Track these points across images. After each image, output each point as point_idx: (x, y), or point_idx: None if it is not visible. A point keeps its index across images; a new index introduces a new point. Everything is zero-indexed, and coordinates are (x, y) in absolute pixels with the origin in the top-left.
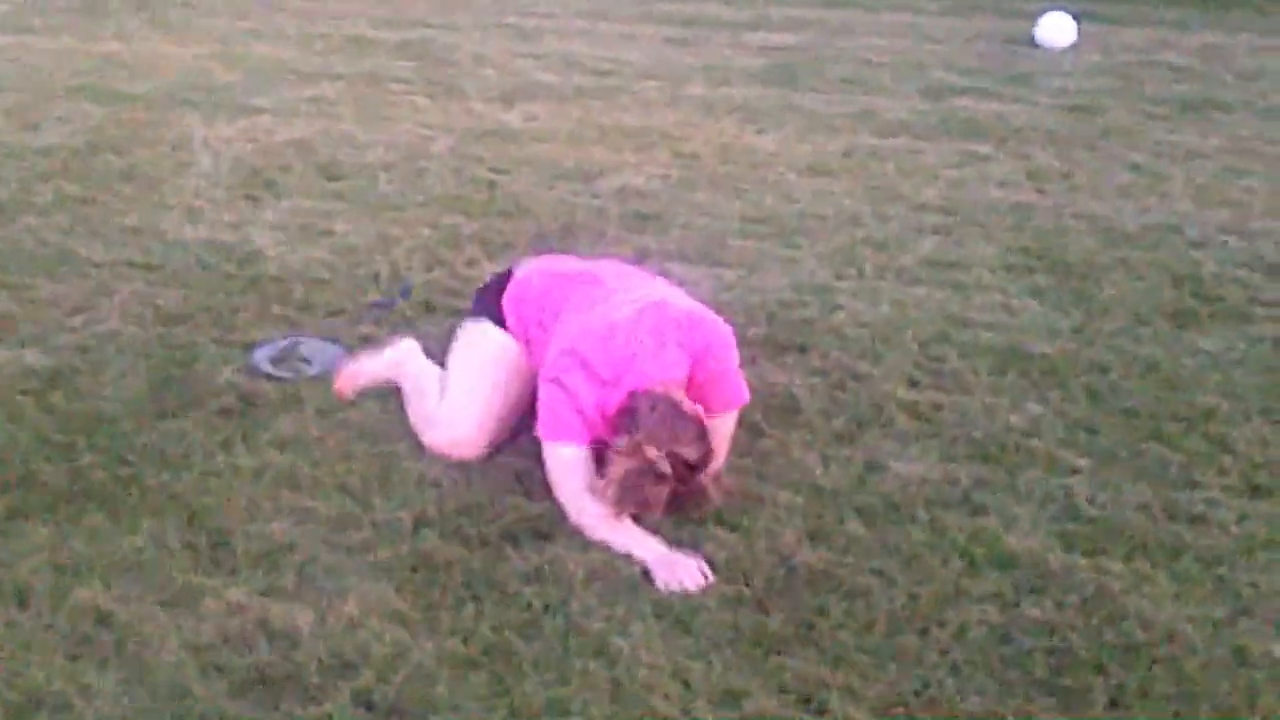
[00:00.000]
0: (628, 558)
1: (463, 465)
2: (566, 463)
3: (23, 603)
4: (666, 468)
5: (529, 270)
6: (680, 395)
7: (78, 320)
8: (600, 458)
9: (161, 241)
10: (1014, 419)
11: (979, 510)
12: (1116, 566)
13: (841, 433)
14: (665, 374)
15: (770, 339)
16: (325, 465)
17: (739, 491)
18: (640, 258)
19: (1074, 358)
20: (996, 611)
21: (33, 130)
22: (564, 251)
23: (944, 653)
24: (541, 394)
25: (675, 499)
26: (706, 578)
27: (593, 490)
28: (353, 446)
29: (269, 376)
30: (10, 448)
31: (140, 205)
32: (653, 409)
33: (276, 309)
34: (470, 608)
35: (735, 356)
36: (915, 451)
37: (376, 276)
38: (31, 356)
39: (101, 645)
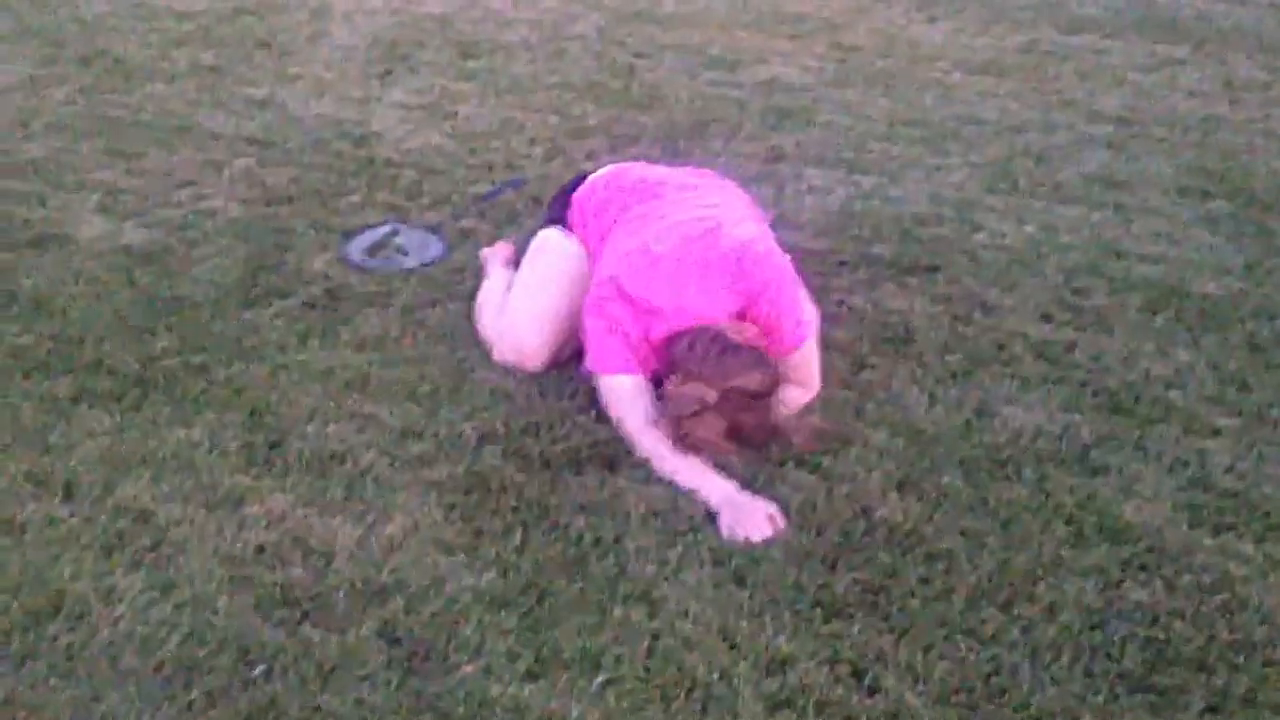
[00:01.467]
0: (695, 496)
1: (536, 378)
2: (622, 395)
3: (69, 494)
4: (713, 402)
5: (598, 178)
6: (725, 325)
7: (184, 195)
8: (658, 388)
9: (284, 115)
10: (1157, 367)
11: (1097, 470)
12: (1246, 548)
13: (956, 370)
14: (710, 310)
15: (897, 258)
16: (399, 368)
17: (827, 430)
18: (774, 158)
19: (1240, 300)
20: (1095, 590)
21: None
22: (690, 149)
23: (1026, 632)
24: (585, 325)
25: (745, 435)
26: (776, 526)
27: (656, 422)
28: (431, 349)
29: (361, 268)
30: (87, 327)
31: (270, 76)
32: (691, 347)
33: (383, 195)
34: (517, 537)
35: (794, 295)
36: (1035, 397)
37: (491, 166)
38: (131, 231)
39: (137, 547)
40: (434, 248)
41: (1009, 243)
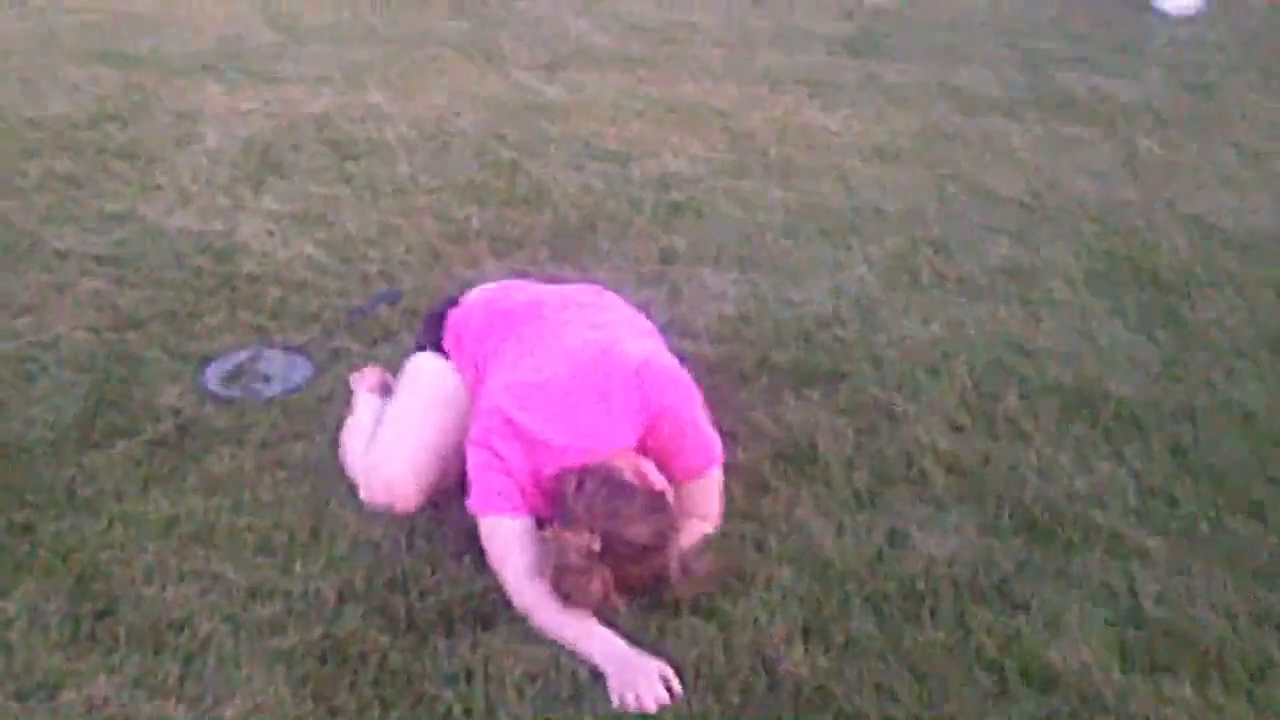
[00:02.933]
0: (579, 655)
1: (407, 519)
2: (504, 538)
3: None
4: (595, 557)
5: (474, 300)
6: (623, 464)
7: (24, 323)
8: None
9: (141, 229)
10: (1077, 481)
11: (1018, 606)
12: (1183, 691)
13: (863, 491)
14: (608, 439)
15: (798, 366)
16: (251, 515)
17: (724, 570)
18: (666, 259)
19: (1158, 402)
20: None
21: (35, 99)
22: (579, 250)
23: None
24: (470, 460)
25: (632, 586)
26: (671, 689)
27: (538, 570)
28: (289, 491)
29: (217, 397)
30: None
31: (131, 187)
32: (579, 488)
33: (246, 314)
34: (375, 716)
35: (699, 414)
36: (950, 520)
37: (365, 277)
38: None
39: None
40: (299, 371)
41: (913, 344)
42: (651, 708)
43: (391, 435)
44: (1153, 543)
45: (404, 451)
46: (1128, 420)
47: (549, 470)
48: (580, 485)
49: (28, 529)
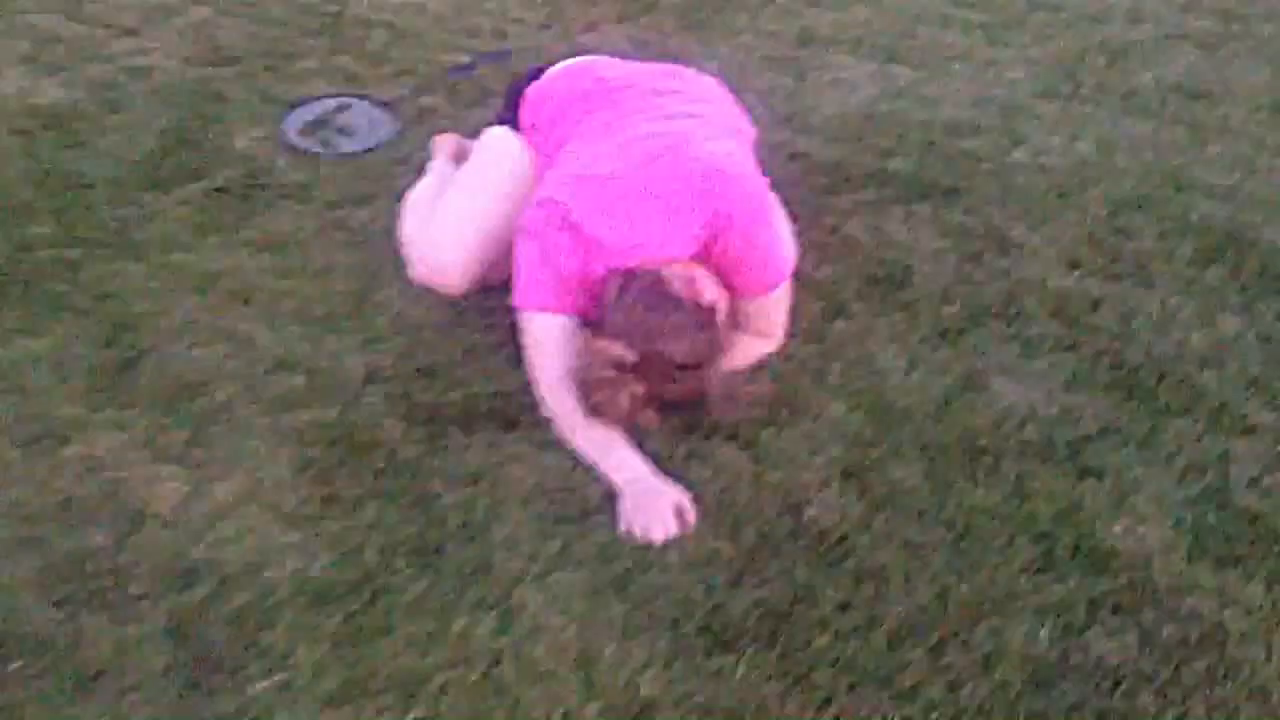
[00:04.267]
0: (598, 472)
1: (453, 303)
2: (543, 337)
3: None
4: (627, 369)
5: (554, 75)
6: (675, 272)
7: (121, 47)
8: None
9: None
10: (1195, 337)
11: (1087, 473)
12: (1252, 593)
13: (950, 326)
14: (664, 243)
15: (914, 177)
16: (297, 279)
17: (771, 396)
18: (802, 41)
19: None
20: (1050, 638)
21: None
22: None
23: (951, 689)
24: (516, 248)
25: (667, 403)
26: (684, 522)
27: (571, 375)
28: (342, 257)
29: (293, 148)
30: None
31: None
32: (621, 293)
33: (343, 60)
34: (371, 511)
35: (770, 227)
36: (1038, 368)
37: (475, 32)
38: (49, 88)
39: None
40: (383, 129)
41: (1052, 163)
42: (657, 539)
43: (447, 215)
44: (1263, 418)
45: (456, 234)
46: (1273, 275)
47: (598, 270)
48: (623, 290)
49: (73, 267)
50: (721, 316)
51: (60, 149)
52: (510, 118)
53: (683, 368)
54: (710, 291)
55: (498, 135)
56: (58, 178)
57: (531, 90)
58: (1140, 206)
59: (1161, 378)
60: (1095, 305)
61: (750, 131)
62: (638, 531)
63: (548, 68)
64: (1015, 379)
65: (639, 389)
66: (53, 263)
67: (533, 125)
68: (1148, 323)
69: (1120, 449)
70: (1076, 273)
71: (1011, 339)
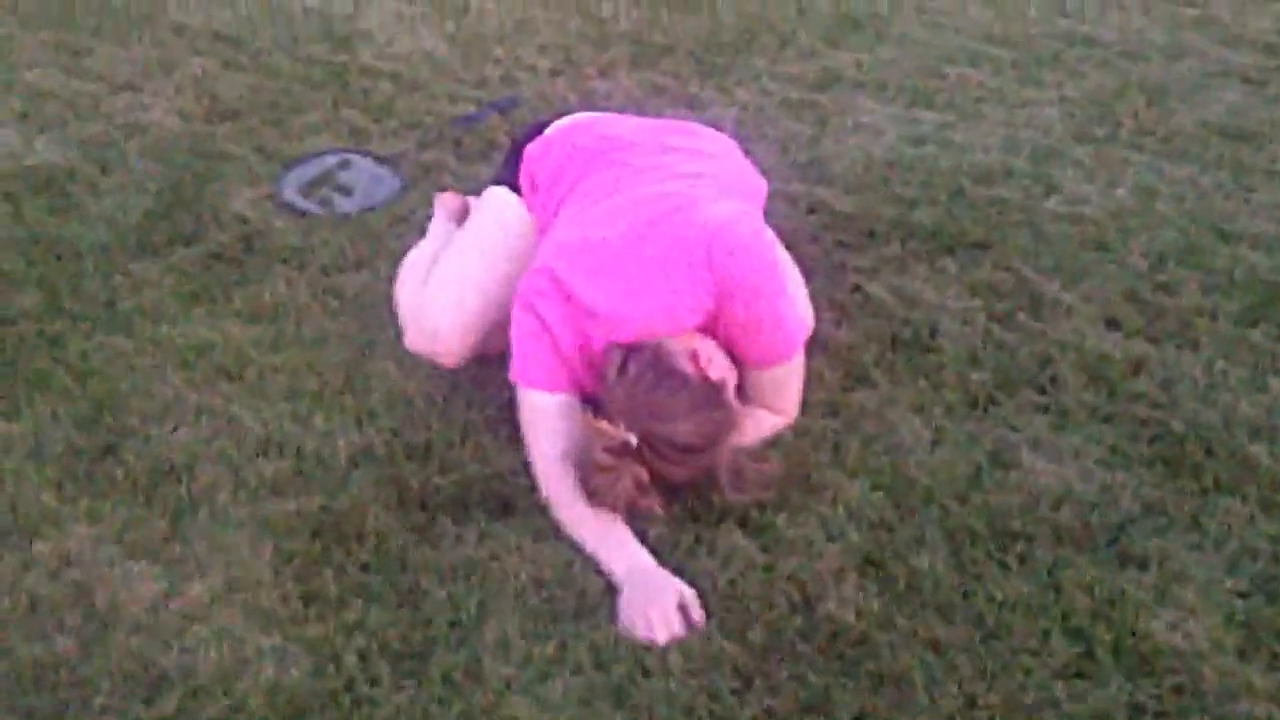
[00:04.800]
0: (598, 562)
1: (449, 374)
2: (540, 416)
3: None
4: (629, 453)
5: (553, 132)
6: (679, 345)
7: (119, 103)
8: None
9: (266, 6)
10: (1244, 404)
11: (1129, 560)
12: None
13: (979, 394)
14: (666, 313)
15: (940, 229)
16: (289, 350)
17: (784, 476)
18: (825, 83)
19: None
20: None
21: None
22: (727, 68)
23: None
24: (514, 322)
25: (672, 487)
26: (691, 619)
27: (570, 458)
28: (335, 326)
29: (291, 208)
30: None
31: None
32: (622, 370)
33: (348, 113)
34: (355, 610)
35: (780, 294)
36: (1074, 442)
37: (484, 81)
38: (42, 148)
39: None
40: (384, 187)
41: (1089, 212)
42: (660, 640)
43: (444, 280)
44: None
45: (454, 300)
46: None
47: (598, 343)
48: (623, 366)
49: (57, 342)
50: (730, 393)
51: (49, 214)
52: (510, 176)
53: (688, 450)
54: (718, 366)
55: (497, 195)
56: (45, 245)
57: (530, 148)
58: (1182, 259)
59: (1209, 451)
60: (1135, 370)
61: (762, 187)
62: (638, 631)
63: (549, 123)
64: (1049, 454)
65: (642, 473)
66: (36, 337)
67: (532, 185)
68: (1192, 389)
69: (1164, 533)
70: (1115, 334)
71: (1045, 409)
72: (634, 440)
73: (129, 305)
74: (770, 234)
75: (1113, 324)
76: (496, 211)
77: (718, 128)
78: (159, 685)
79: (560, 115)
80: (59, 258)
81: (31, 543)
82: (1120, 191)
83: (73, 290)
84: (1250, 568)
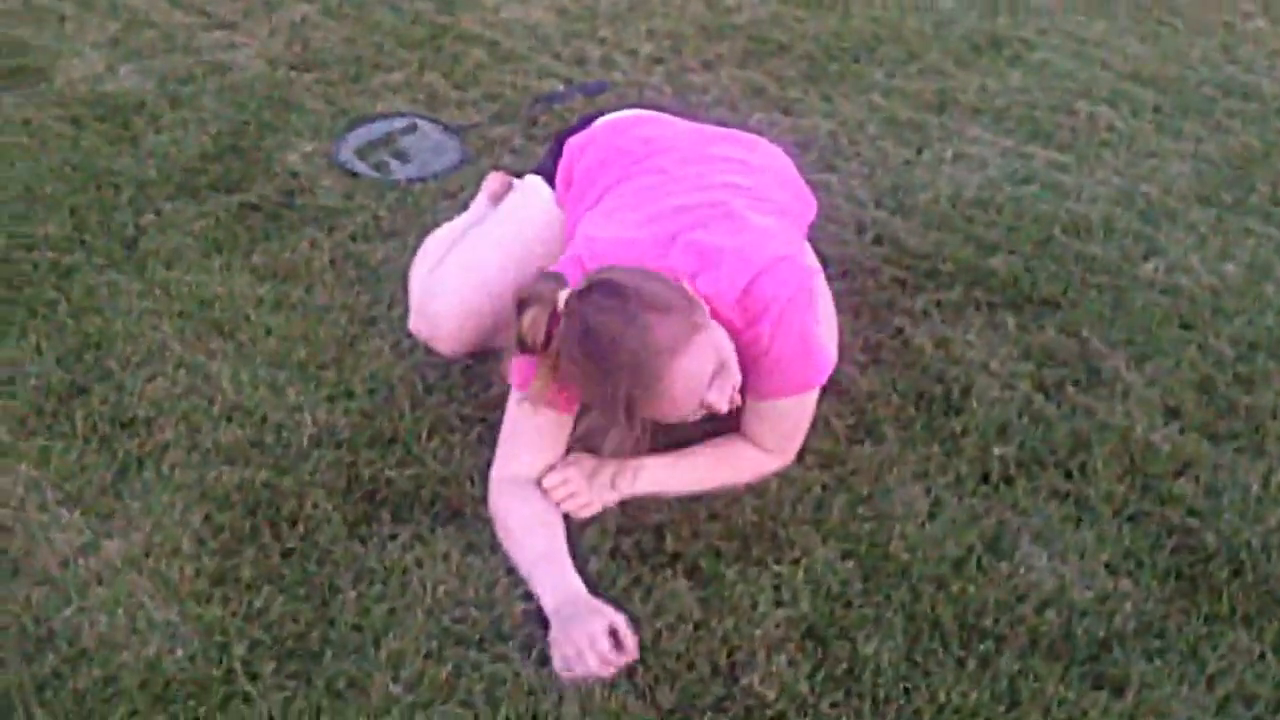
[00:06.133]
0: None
1: (444, 366)
2: (519, 423)
3: None
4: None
5: (597, 129)
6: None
7: (211, 39)
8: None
9: None
10: None
11: (1105, 682)
12: None
13: (995, 469)
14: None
15: (1012, 281)
16: (289, 314)
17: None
18: (937, 105)
19: None
20: None
21: None
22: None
23: None
24: None
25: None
26: (624, 644)
27: (540, 479)
28: (344, 297)
29: (343, 169)
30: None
31: None
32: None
33: (432, 76)
34: (259, 599)
35: (805, 323)
36: (1080, 538)
37: (582, 60)
38: (122, 76)
39: None
40: (446, 157)
41: (1185, 284)
42: (595, 672)
43: (453, 266)
44: None
45: (458, 288)
46: None
47: None
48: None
49: (66, 273)
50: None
51: (106, 143)
52: (551, 166)
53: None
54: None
55: (531, 187)
56: (88, 173)
57: (572, 143)
58: (1276, 353)
59: (1236, 573)
60: (1181, 469)
61: (810, 207)
62: (575, 669)
63: (597, 117)
64: (1051, 547)
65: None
66: (50, 268)
67: (567, 182)
68: (1240, 500)
69: (1155, 657)
70: (1172, 425)
71: (1063, 496)
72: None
73: (149, 246)
74: (810, 258)
75: (1172, 413)
76: (525, 203)
77: (791, 143)
78: (42, 645)
79: (639, 107)
80: (98, 188)
81: None
82: (1229, 266)
83: (100, 224)
84: (1242, 715)
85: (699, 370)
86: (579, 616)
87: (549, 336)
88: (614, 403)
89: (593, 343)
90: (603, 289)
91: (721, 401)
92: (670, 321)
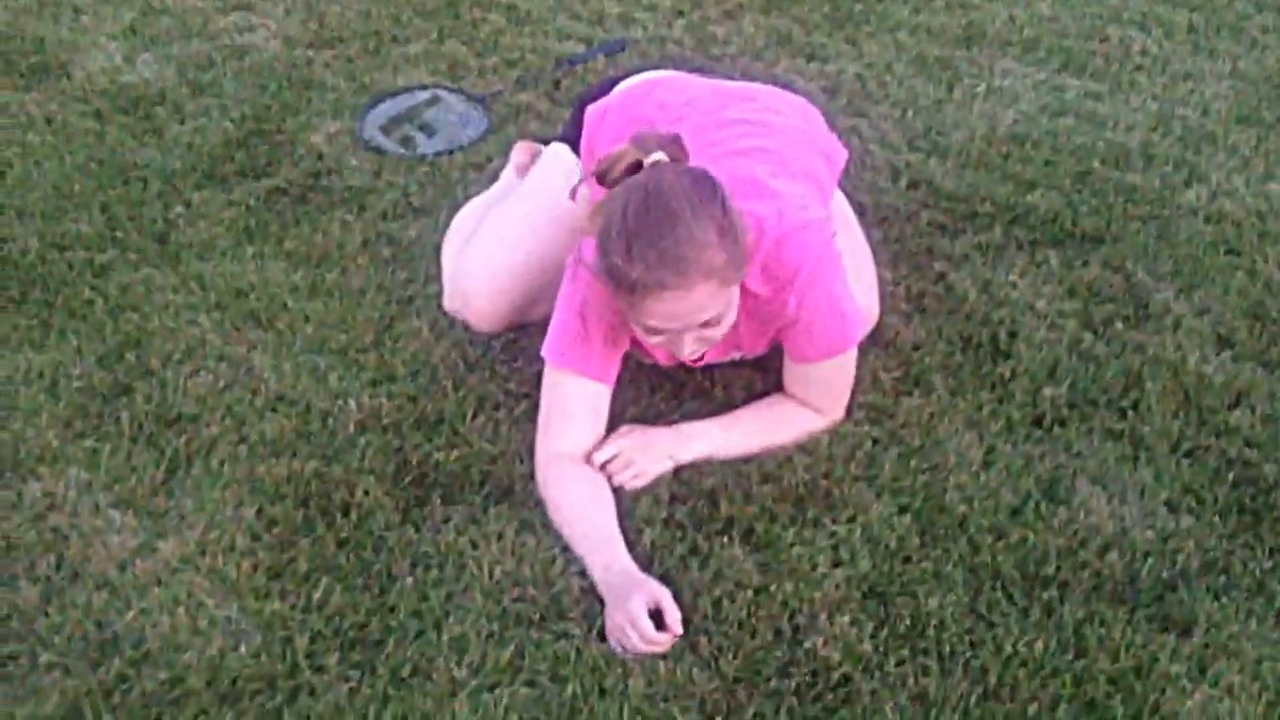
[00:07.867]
0: (584, 563)
1: (482, 343)
2: (559, 400)
3: None
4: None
5: (620, 93)
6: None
7: (228, 22)
8: None
9: None
10: None
11: (1172, 623)
12: None
13: (1048, 412)
14: None
15: (1054, 216)
16: (326, 298)
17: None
18: (966, 38)
19: None
20: None
21: None
22: (865, 14)
23: None
24: (562, 293)
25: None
26: (667, 619)
27: (589, 454)
28: (380, 277)
29: (368, 146)
30: (10, 193)
31: None
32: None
33: (452, 45)
34: (320, 589)
35: (830, 287)
36: (1142, 477)
37: (601, 17)
38: (141, 66)
39: None
40: (470, 128)
41: (1229, 208)
42: (639, 649)
43: (483, 240)
44: None
45: (491, 263)
46: None
47: None
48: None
49: (102, 272)
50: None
51: (131, 136)
52: (575, 133)
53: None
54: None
55: (556, 155)
56: (116, 168)
57: (591, 111)
58: None
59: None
60: (1237, 399)
61: (838, 159)
62: (630, 646)
63: (619, 80)
64: (1109, 488)
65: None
66: (84, 266)
67: (589, 150)
68: None
69: (1221, 595)
70: (1224, 354)
71: (1118, 436)
72: None
73: (181, 238)
74: (829, 222)
75: (1224, 342)
76: (552, 171)
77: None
78: (107, 649)
79: (657, 67)
80: (126, 182)
81: (26, 481)
82: (1273, 186)
83: (131, 219)
84: None
85: (701, 307)
86: (624, 595)
87: (621, 176)
88: (616, 276)
89: (651, 203)
90: (699, 178)
91: (685, 349)
92: (720, 252)
